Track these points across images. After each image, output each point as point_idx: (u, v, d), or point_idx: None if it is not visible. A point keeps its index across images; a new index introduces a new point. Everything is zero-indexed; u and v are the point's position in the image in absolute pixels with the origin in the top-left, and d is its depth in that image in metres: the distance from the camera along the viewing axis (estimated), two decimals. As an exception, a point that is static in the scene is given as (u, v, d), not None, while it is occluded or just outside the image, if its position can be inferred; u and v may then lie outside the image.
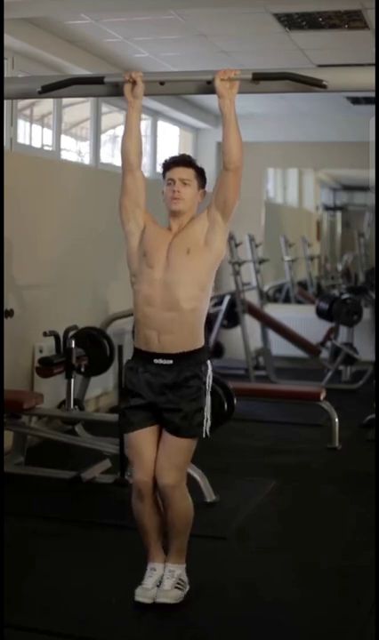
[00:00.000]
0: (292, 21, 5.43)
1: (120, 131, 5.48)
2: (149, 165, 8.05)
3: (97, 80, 3.70)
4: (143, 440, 3.44)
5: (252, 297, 8.73)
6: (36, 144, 6.34)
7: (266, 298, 9.30)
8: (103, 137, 7.29)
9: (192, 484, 4.60)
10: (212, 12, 5.29)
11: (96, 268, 6.79)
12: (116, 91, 3.68)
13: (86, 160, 7.05)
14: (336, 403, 6.24)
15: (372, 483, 4.51)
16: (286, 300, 10.37)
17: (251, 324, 8.42)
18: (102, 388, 6.78)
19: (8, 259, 5.43)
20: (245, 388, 6.57)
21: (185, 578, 3.51)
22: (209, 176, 3.60)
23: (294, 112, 8.80)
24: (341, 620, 3.39)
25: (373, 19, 5.22)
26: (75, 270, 6.45)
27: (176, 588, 3.45)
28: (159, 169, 3.60)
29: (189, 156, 3.60)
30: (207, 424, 3.46)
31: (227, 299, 8.47)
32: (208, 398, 3.46)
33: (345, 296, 8.55)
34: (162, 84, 3.66)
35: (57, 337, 5.43)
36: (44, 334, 5.39)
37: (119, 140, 4.81)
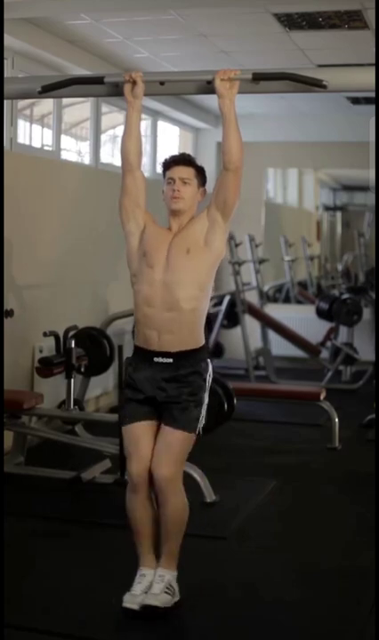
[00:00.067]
0: (292, 21, 5.43)
1: (120, 131, 5.48)
2: (149, 165, 8.06)
3: (97, 80, 3.70)
4: (141, 433, 3.43)
5: (252, 297, 8.73)
6: (36, 144, 6.35)
7: (266, 298, 9.30)
8: (103, 137, 7.29)
9: (192, 483, 4.61)
10: (212, 12, 5.29)
11: (96, 267, 6.79)
12: (116, 91, 3.68)
13: (86, 160, 7.05)
14: (336, 403, 6.24)
15: (372, 483, 4.51)
16: (286, 300, 10.37)
17: (251, 324, 8.42)
18: (102, 387, 6.78)
19: (8, 259, 5.43)
20: (246, 388, 6.57)
21: (175, 585, 3.43)
22: (209, 176, 3.60)
23: (294, 112, 8.80)
24: (341, 620, 3.39)
25: (373, 19, 5.22)
26: (75, 270, 6.46)
27: (165, 592, 3.38)
28: (159, 169, 3.60)
29: (188, 155, 3.60)
30: (202, 422, 3.46)
31: (227, 299, 8.47)
32: (207, 396, 3.46)
33: (345, 296, 8.55)
34: (162, 84, 3.66)
35: (57, 337, 5.43)
36: (44, 334, 5.39)
37: (119, 140, 4.81)
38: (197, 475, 4.67)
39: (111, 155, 7.53)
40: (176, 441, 3.40)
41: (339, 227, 12.87)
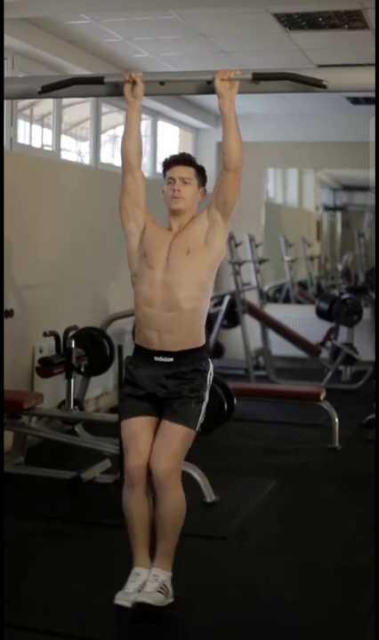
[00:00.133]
0: (292, 21, 5.43)
1: (120, 131, 5.48)
2: (149, 165, 8.06)
3: (97, 80, 3.70)
4: (140, 428, 3.42)
5: (252, 297, 8.73)
6: (36, 144, 6.35)
7: (266, 298, 9.30)
8: (103, 137, 7.29)
9: (192, 483, 4.61)
10: (212, 12, 5.29)
11: (96, 268, 6.79)
12: (116, 91, 3.68)
13: (86, 160, 7.05)
14: (336, 403, 6.24)
15: (372, 483, 4.51)
16: (286, 300, 10.37)
17: (251, 324, 8.42)
18: (102, 388, 6.78)
19: (8, 259, 5.43)
20: (245, 388, 6.57)
21: (169, 586, 3.39)
22: (209, 176, 3.60)
23: (294, 112, 8.80)
24: (341, 620, 3.39)
25: (373, 19, 5.22)
26: (75, 270, 6.46)
27: (158, 592, 3.34)
28: (159, 169, 3.61)
29: (189, 155, 3.60)
30: (202, 419, 3.45)
31: (227, 299, 8.47)
32: (207, 394, 3.46)
33: (345, 296, 8.55)
34: (162, 84, 3.67)
35: (57, 337, 5.43)
36: (44, 334, 5.39)
37: (119, 140, 4.81)
38: (197, 475, 4.67)
39: (111, 155, 7.53)
40: (176, 435, 3.38)
41: (339, 227, 12.87)
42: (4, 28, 4.57)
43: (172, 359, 3.39)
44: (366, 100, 7.91)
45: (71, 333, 5.51)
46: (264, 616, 3.40)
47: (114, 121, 7.56)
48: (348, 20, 5.37)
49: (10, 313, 5.17)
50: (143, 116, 3.95)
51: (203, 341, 3.48)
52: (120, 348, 5.78)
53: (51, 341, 5.49)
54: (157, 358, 3.41)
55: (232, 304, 8.36)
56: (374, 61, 4.30)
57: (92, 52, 6.33)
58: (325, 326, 8.72)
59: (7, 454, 5.15)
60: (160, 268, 3.41)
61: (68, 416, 5.48)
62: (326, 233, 12.71)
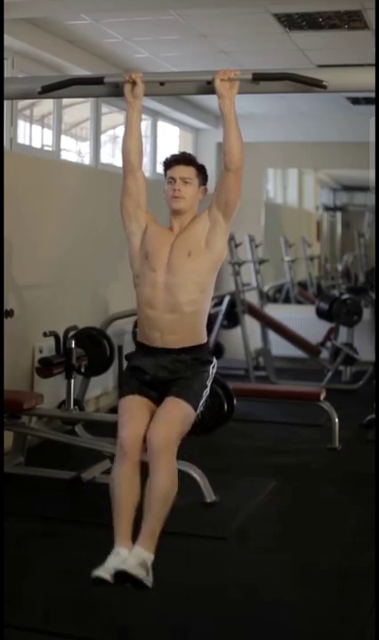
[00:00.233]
0: (292, 22, 5.43)
1: (120, 131, 5.48)
2: (149, 166, 8.05)
3: (97, 80, 3.70)
4: (138, 404, 3.39)
5: (252, 297, 8.73)
6: (36, 144, 6.34)
7: (266, 298, 9.30)
8: (103, 137, 7.29)
9: (192, 484, 4.61)
10: (212, 12, 5.29)
11: (96, 268, 6.79)
12: (116, 91, 3.68)
13: (86, 160, 7.05)
14: (336, 403, 6.24)
15: (372, 483, 4.51)
16: (286, 300, 10.37)
17: (251, 325, 8.42)
18: (102, 388, 6.78)
19: (8, 259, 5.43)
20: (245, 389, 6.57)
21: (150, 569, 3.21)
22: (209, 177, 3.61)
23: (294, 112, 8.80)
24: (341, 620, 3.39)
25: (373, 19, 5.22)
26: (75, 270, 6.46)
27: (139, 566, 3.18)
28: (159, 169, 3.62)
29: (189, 154, 3.61)
30: (201, 408, 3.45)
31: (227, 299, 8.47)
32: (209, 385, 3.46)
33: (345, 296, 8.55)
34: (162, 84, 3.67)
35: (57, 337, 5.43)
36: (44, 334, 5.39)
37: (119, 140, 4.81)
38: (197, 475, 4.66)
39: (111, 155, 7.53)
40: (177, 410, 3.35)
41: (339, 227, 12.86)
42: (4, 28, 4.57)
43: (174, 354, 3.43)
44: (366, 101, 7.91)
45: (71, 333, 5.51)
46: (264, 616, 3.40)
47: (114, 121, 7.56)
48: (348, 20, 5.37)
49: (10, 313, 5.17)
50: (143, 116, 3.95)
51: (205, 339, 3.50)
52: (120, 348, 5.79)
53: (51, 341, 5.49)
54: (159, 354, 3.43)
55: (232, 304, 8.36)
56: (374, 61, 4.30)
57: (92, 53, 6.33)
58: (325, 326, 8.72)
59: (7, 454, 5.15)
60: (162, 271, 3.42)
61: (68, 416, 5.48)
62: (326, 233, 12.71)
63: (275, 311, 9.05)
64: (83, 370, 5.67)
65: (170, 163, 3.53)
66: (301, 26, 5.54)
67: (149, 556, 3.22)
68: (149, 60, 6.52)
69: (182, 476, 4.61)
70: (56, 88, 3.73)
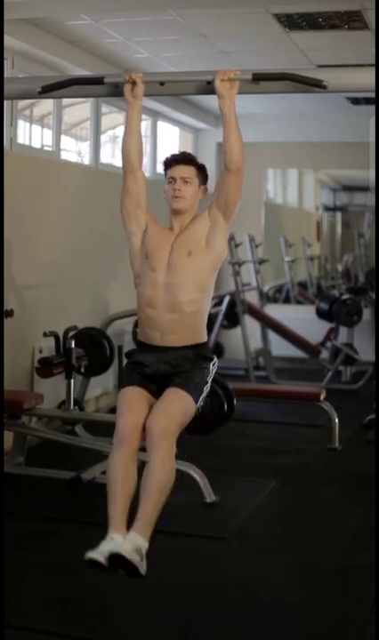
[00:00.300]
0: (292, 22, 5.43)
1: (120, 131, 5.48)
2: (149, 166, 8.05)
3: (97, 80, 3.70)
4: (138, 395, 3.38)
5: (252, 297, 8.73)
6: (36, 144, 6.35)
7: (266, 298, 9.30)
8: (103, 137, 7.29)
9: (192, 484, 4.61)
10: (212, 12, 5.29)
11: (96, 268, 6.79)
12: (116, 91, 3.68)
13: (86, 160, 7.05)
14: (336, 403, 6.24)
15: (372, 483, 4.51)
16: (286, 300, 10.37)
17: (251, 325, 8.42)
18: (102, 388, 6.78)
19: (8, 259, 5.43)
20: (245, 389, 6.57)
21: (144, 556, 3.14)
22: (209, 177, 3.61)
23: (294, 112, 8.80)
24: (341, 620, 3.39)
25: (373, 19, 5.22)
26: (75, 270, 6.46)
27: (134, 551, 3.11)
28: (159, 169, 3.63)
29: (189, 154, 3.61)
30: (201, 402, 3.44)
31: (227, 299, 8.47)
32: (210, 381, 3.47)
33: (345, 296, 8.55)
34: (162, 84, 3.67)
35: (57, 337, 5.43)
36: (44, 334, 5.39)
37: (119, 140, 4.81)
38: (196, 475, 4.66)
39: (111, 155, 7.53)
40: (178, 400, 3.34)
41: (339, 227, 12.86)
42: (4, 29, 4.57)
43: (176, 350, 3.44)
44: (366, 101, 7.91)
45: (71, 333, 5.51)
46: (264, 616, 3.40)
47: (114, 121, 7.56)
48: (348, 20, 5.37)
49: (10, 313, 5.17)
50: (143, 116, 3.95)
51: (205, 338, 3.51)
52: (120, 348, 5.79)
53: (51, 341, 5.49)
54: (159, 352, 3.45)
55: (232, 304, 8.36)
56: (374, 62, 4.30)
57: (92, 53, 6.33)
58: (325, 327, 8.72)
59: (7, 454, 5.15)
60: (162, 271, 3.43)
61: (67, 416, 5.48)
62: (326, 233, 12.71)
63: (275, 311, 9.05)
64: (83, 370, 5.67)
65: (170, 162, 3.53)
66: (301, 26, 5.54)
67: (143, 543, 3.17)
68: (149, 60, 6.52)
69: (182, 475, 4.63)
70: (56, 88, 3.73)
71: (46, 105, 6.32)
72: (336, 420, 6.01)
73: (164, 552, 3.94)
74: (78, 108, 6.92)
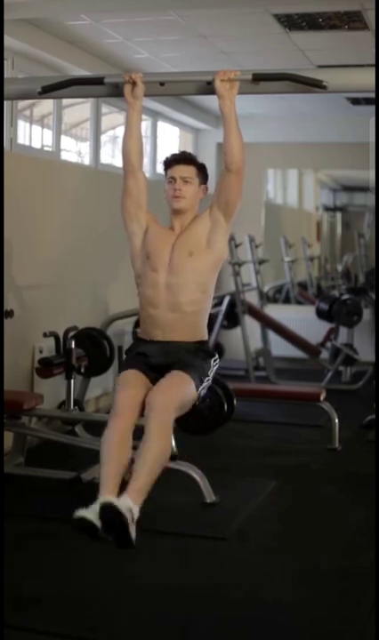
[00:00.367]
0: (292, 22, 5.43)
1: (120, 131, 5.48)
2: (150, 166, 8.05)
3: (97, 81, 3.71)
4: (137, 376, 3.39)
5: (252, 297, 8.73)
6: (36, 145, 6.35)
7: (266, 298, 9.30)
8: (103, 138, 7.29)
9: (192, 484, 4.61)
10: (212, 12, 5.29)
11: (96, 268, 6.79)
12: (116, 91, 3.69)
13: (86, 161, 7.05)
14: (336, 403, 6.24)
15: (372, 483, 4.50)
16: (286, 300, 10.38)
17: (251, 325, 8.42)
18: (102, 388, 6.78)
19: (8, 259, 5.43)
20: (245, 389, 6.57)
21: (135, 519, 3.12)
22: (209, 177, 3.61)
23: (295, 113, 8.80)
24: (341, 620, 3.38)
25: (373, 19, 5.22)
26: (75, 271, 6.46)
27: (128, 509, 3.10)
28: (159, 170, 3.64)
29: (189, 154, 3.62)
30: (202, 392, 3.45)
31: (227, 299, 8.46)
32: (211, 375, 3.47)
33: (345, 297, 8.55)
34: (162, 84, 3.67)
35: (57, 337, 5.43)
36: (44, 335, 5.39)
37: (119, 140, 4.81)
38: (196, 475, 4.66)
39: (111, 155, 7.53)
40: (180, 381, 3.34)
41: (339, 227, 12.87)
42: (4, 29, 4.57)
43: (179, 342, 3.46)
44: (366, 101, 7.91)
45: (71, 334, 5.51)
46: (264, 616, 3.40)
47: (114, 121, 7.56)
48: (348, 20, 5.37)
49: (10, 313, 5.17)
50: (143, 116, 3.96)
51: (206, 337, 3.54)
52: (120, 348, 5.78)
53: (51, 342, 5.49)
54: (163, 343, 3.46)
55: (232, 305, 8.36)
56: (374, 62, 4.31)
57: (92, 53, 6.33)
58: (325, 327, 8.72)
59: (7, 455, 5.15)
60: (163, 271, 3.43)
61: (68, 416, 5.48)
62: (326, 234, 12.71)
63: (275, 311, 9.05)
64: (83, 370, 5.67)
65: (170, 162, 3.54)
66: (301, 26, 5.54)
67: (136, 509, 3.15)
68: (149, 60, 6.52)
69: (182, 476, 4.63)
70: (56, 88, 3.74)
71: (46, 105, 6.32)
72: (336, 421, 6.01)
73: (164, 552, 3.96)
74: (78, 109, 6.92)
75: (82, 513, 3.10)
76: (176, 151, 3.79)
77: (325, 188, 13.06)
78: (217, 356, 3.55)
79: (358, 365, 8.33)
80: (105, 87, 3.70)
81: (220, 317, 8.44)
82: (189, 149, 9.05)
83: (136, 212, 3.54)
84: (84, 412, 5.98)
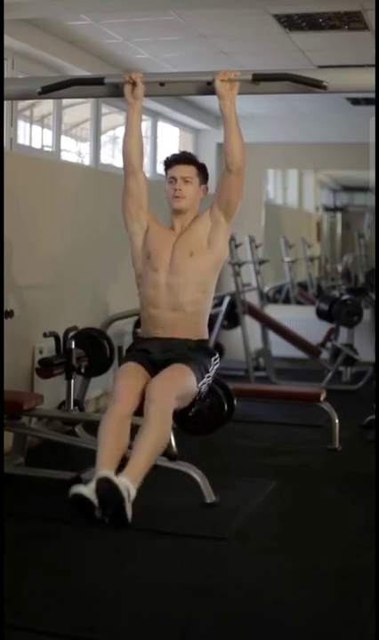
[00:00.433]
0: (292, 22, 5.43)
1: (120, 132, 5.48)
2: (150, 166, 8.05)
3: (97, 81, 3.71)
4: (137, 369, 3.41)
5: (252, 298, 8.73)
6: (36, 145, 6.35)
7: (266, 299, 9.30)
8: (103, 138, 7.29)
9: (192, 484, 4.61)
10: (212, 12, 5.29)
11: (96, 268, 6.79)
12: (116, 92, 3.69)
13: (86, 161, 7.05)
14: (336, 404, 6.24)
15: (372, 484, 4.50)
16: (286, 300, 10.38)
17: (251, 325, 8.42)
18: (102, 388, 6.78)
19: (8, 259, 5.43)
20: (246, 389, 6.57)
21: (131, 499, 3.12)
22: (209, 177, 3.62)
23: (295, 113, 8.80)
24: (341, 620, 3.38)
25: (373, 20, 5.22)
26: (75, 271, 6.46)
27: (125, 486, 3.10)
28: (160, 170, 3.65)
29: (189, 153, 3.63)
30: (203, 386, 3.45)
31: (227, 299, 8.47)
32: (211, 373, 3.47)
33: (345, 297, 8.55)
34: (162, 84, 3.68)
35: (57, 338, 5.43)
36: (44, 335, 5.39)
37: (119, 140, 4.82)
38: (196, 475, 4.66)
39: (111, 156, 7.53)
40: (181, 372, 3.36)
41: (339, 228, 12.87)
42: (4, 29, 4.57)
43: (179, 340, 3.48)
44: (366, 101, 7.91)
45: (71, 334, 5.51)
46: (264, 617, 3.40)
47: (114, 122, 7.56)
48: (348, 20, 5.37)
49: (10, 313, 5.17)
50: (143, 117, 3.96)
51: (206, 336, 3.55)
52: (120, 348, 5.78)
53: (51, 342, 5.49)
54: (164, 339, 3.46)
55: (232, 305, 8.36)
56: (374, 62, 4.31)
57: (92, 53, 6.33)
58: (325, 327, 8.72)
59: (7, 455, 5.15)
60: (164, 271, 3.44)
61: (68, 417, 5.48)
62: (326, 234, 12.72)
63: (275, 312, 9.05)
64: (83, 370, 5.67)
65: (170, 162, 3.54)
66: (301, 26, 5.54)
67: (133, 489, 3.14)
68: (149, 60, 6.52)
69: (182, 476, 4.63)
70: (56, 88, 3.74)
71: (46, 105, 6.32)
72: (336, 421, 6.01)
73: (164, 552, 3.96)
74: (78, 109, 6.92)
75: (78, 489, 3.09)
76: (176, 151, 3.79)
77: (325, 188, 13.07)
78: (218, 355, 3.56)
79: (358, 366, 8.33)
80: (105, 87, 3.71)
81: (220, 318, 8.44)
82: (190, 150, 9.04)
83: (137, 212, 3.55)
84: (84, 413, 5.98)
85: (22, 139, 6.05)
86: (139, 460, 3.21)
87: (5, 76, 5.39)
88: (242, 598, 3.55)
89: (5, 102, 5.01)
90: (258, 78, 3.52)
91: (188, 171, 3.52)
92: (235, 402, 5.28)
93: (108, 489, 3.03)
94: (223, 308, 8.48)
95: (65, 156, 6.70)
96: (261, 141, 8.71)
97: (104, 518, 3.12)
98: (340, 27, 5.53)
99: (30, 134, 6.32)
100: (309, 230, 12.26)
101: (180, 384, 3.33)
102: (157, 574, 3.73)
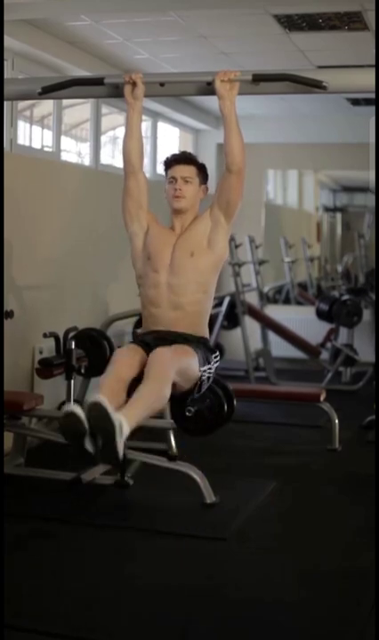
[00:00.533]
0: (292, 23, 5.44)
1: (120, 132, 5.49)
2: (150, 167, 8.06)
3: (97, 81, 3.71)
4: (136, 352, 3.39)
5: (252, 298, 8.73)
6: (36, 145, 6.35)
7: (266, 299, 9.30)
8: (103, 138, 7.30)
9: (192, 484, 4.61)
10: (212, 13, 5.29)
11: (96, 269, 6.79)
12: (116, 92, 3.69)
13: (86, 161, 7.05)
14: (336, 404, 6.24)
15: (372, 484, 4.51)
16: (286, 301, 10.38)
17: (251, 326, 8.42)
18: (102, 389, 6.77)
19: (8, 260, 5.44)
20: (246, 390, 6.57)
21: (124, 435, 3.09)
22: (209, 178, 3.62)
23: (295, 113, 8.80)
24: (341, 620, 3.39)
25: (373, 20, 5.22)
26: (75, 271, 6.46)
27: (118, 419, 3.06)
28: (160, 170, 3.65)
29: (189, 153, 3.63)
30: (207, 377, 3.45)
31: (227, 300, 8.47)
32: (212, 368, 3.48)
33: (345, 297, 8.55)
34: (162, 85, 3.68)
35: (57, 338, 5.43)
36: (44, 335, 5.38)
37: (119, 141, 4.82)
38: (196, 476, 4.67)
39: (111, 156, 7.54)
40: (183, 349, 3.35)
41: (339, 228, 12.87)
42: (4, 29, 4.58)
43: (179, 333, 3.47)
44: (366, 102, 7.91)
45: (71, 334, 5.51)
46: (264, 617, 3.40)
47: (114, 122, 7.57)
48: (348, 21, 5.37)
49: (10, 314, 5.17)
50: (143, 117, 3.96)
51: (207, 335, 3.55)
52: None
53: (51, 342, 5.49)
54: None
55: (232, 305, 8.36)
56: (374, 62, 4.31)
57: (92, 54, 6.34)
58: (325, 327, 8.72)
59: (7, 455, 5.15)
60: (164, 271, 3.45)
61: (68, 417, 5.47)
62: (326, 234, 12.71)
63: (275, 312, 9.05)
64: (83, 371, 5.66)
65: (170, 162, 3.55)
66: (301, 27, 5.54)
67: (126, 425, 3.11)
68: (149, 61, 6.52)
69: (182, 476, 4.64)
70: (56, 89, 3.74)
71: (46, 106, 6.33)
72: (336, 421, 6.01)
73: (164, 552, 3.97)
74: (78, 109, 6.92)
75: (71, 407, 3.06)
76: (176, 151, 3.79)
77: (325, 188, 13.07)
78: (218, 353, 3.56)
79: (358, 366, 8.33)
80: (105, 88, 3.71)
81: (220, 318, 8.44)
82: (190, 150, 9.04)
83: (137, 212, 3.55)
84: (85, 413, 5.97)
85: (22, 139, 6.06)
86: (135, 405, 3.17)
87: (5, 76, 5.39)
88: (242, 598, 3.55)
89: (5, 103, 5.01)
90: (258, 78, 3.52)
91: (188, 171, 3.52)
92: (235, 402, 5.27)
93: (100, 414, 2.99)
94: (223, 308, 8.48)
95: (65, 157, 6.70)
96: (261, 142, 8.71)
97: (94, 450, 3.05)
98: (340, 27, 5.53)
99: (30, 135, 6.32)
100: (309, 230, 12.26)
101: (182, 358, 3.32)
102: (157, 574, 3.73)
